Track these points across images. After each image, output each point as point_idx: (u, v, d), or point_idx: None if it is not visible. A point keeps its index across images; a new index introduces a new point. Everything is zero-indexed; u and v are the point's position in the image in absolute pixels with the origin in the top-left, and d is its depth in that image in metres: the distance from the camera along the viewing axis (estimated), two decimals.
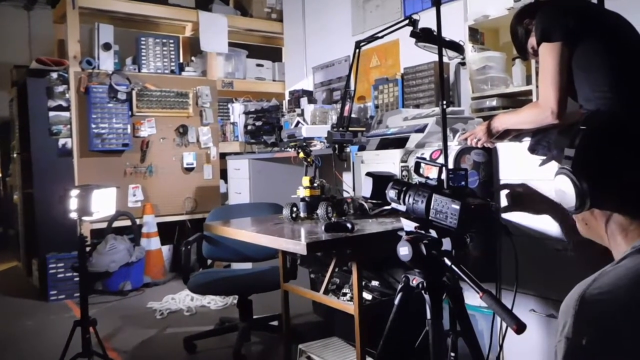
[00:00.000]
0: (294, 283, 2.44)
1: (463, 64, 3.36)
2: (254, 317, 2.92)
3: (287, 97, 5.09)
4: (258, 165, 4.24)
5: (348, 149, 3.11)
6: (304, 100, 4.60)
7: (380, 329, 1.64)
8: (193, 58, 5.10)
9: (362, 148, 3.14)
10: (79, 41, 4.29)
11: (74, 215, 2.26)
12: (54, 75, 4.21)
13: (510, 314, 1.15)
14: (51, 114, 4.19)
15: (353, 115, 3.42)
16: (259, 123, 4.62)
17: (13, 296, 4.15)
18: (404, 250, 1.43)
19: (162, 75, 4.71)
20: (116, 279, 4.02)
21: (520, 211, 1.44)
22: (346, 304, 2.06)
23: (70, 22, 4.26)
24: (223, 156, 4.82)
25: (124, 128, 4.34)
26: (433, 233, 1.43)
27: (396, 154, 2.76)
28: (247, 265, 3.53)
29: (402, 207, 1.54)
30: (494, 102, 3.06)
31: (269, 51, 5.71)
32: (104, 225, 4.13)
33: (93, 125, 4.21)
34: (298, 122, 4.19)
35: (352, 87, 2.83)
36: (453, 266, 1.34)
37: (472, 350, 1.59)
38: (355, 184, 3.02)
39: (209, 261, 4.03)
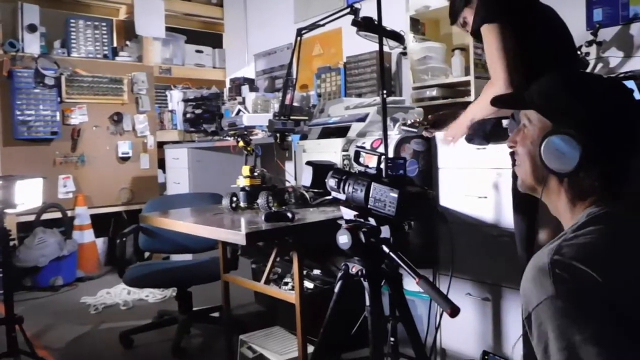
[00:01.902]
0: (235, 273, 2.41)
1: (404, 53, 3.40)
2: (194, 309, 2.86)
3: (227, 85, 4.98)
4: (198, 155, 4.14)
5: (290, 138, 3.08)
6: (245, 88, 4.52)
7: (321, 317, 1.64)
8: (128, 42, 4.87)
9: (304, 137, 3.13)
10: (0, 21, 4.00)
11: (2, 207, 2.11)
12: None
13: (444, 298, 1.17)
14: None
15: (295, 104, 3.38)
16: (198, 111, 4.51)
17: None
18: (343, 239, 1.43)
19: (94, 59, 4.48)
20: (46, 274, 3.82)
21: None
22: (287, 293, 2.05)
23: None
24: (161, 145, 4.67)
25: (53, 115, 4.09)
26: (372, 221, 1.44)
27: (338, 142, 2.78)
28: (187, 257, 3.45)
29: (342, 196, 1.54)
30: (434, 92, 3.11)
31: (209, 37, 5.56)
32: (32, 217, 3.90)
33: (18, 112, 3.94)
34: (239, 110, 4.12)
35: (294, 75, 2.79)
36: (391, 253, 1.35)
37: (410, 334, 1.62)
38: (297, 173, 3.00)
39: (147, 254, 3.91)
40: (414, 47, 3.22)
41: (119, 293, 3.60)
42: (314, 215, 2.01)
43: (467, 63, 3.01)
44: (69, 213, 4.16)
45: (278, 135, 2.71)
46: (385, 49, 2.30)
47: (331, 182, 1.56)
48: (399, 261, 1.31)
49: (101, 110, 4.40)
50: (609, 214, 0.88)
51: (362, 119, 2.79)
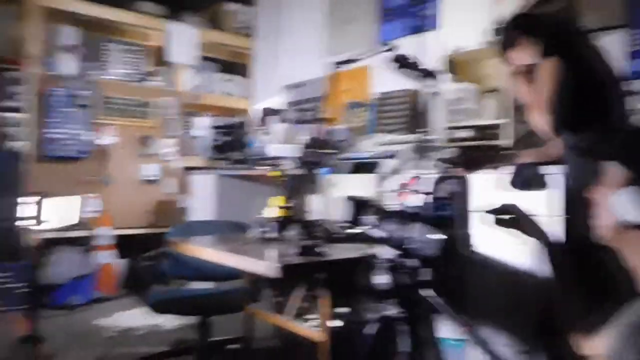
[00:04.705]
0: (255, 306, 2.36)
1: (437, 93, 3.39)
2: (211, 339, 2.79)
3: (255, 115, 5.02)
4: (223, 182, 4.13)
5: (318, 171, 3.07)
6: (273, 119, 4.54)
7: (346, 357, 1.59)
8: (159, 68, 4.97)
9: (333, 171, 3.11)
10: (40, 40, 4.10)
11: (28, 222, 2.11)
12: (11, 74, 4.00)
13: (493, 352, 1.12)
14: (4, 115, 3.96)
15: (323, 138, 3.39)
16: (225, 139, 4.53)
17: None
18: (381, 279, 1.39)
19: (126, 83, 4.56)
20: (64, 291, 3.79)
21: (512, 228, 1.44)
22: (314, 331, 1.99)
23: (31, 21, 4.07)
24: (185, 170, 4.68)
25: (83, 135, 4.14)
26: (412, 262, 1.40)
27: (368, 178, 2.75)
28: (206, 285, 3.39)
29: (382, 234, 1.50)
30: (466, 133, 3.10)
31: (237, 67, 5.65)
32: (54, 235, 3.90)
33: (49, 130, 4.00)
34: (266, 141, 4.13)
35: (324, 109, 2.80)
36: (433, 298, 1.30)
37: None
38: (325, 207, 2.97)
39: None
40: (447, 87, 3.22)
41: (134, 317, 3.55)
42: (344, 251, 1.97)
43: (499, 106, 3.00)
44: (91, 232, 4.15)
45: (307, 167, 2.70)
46: (420, 87, 2.31)
47: (371, 218, 1.53)
48: (442, 307, 1.27)
49: (130, 132, 4.46)
50: None
51: (394, 156, 2.77)
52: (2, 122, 3.95)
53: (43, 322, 3.43)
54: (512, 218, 1.45)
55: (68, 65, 4.17)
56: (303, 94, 4.80)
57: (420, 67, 2.38)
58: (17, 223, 2.19)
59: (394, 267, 1.39)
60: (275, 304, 2.94)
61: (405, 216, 1.44)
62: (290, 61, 4.97)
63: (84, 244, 4.10)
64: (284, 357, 2.64)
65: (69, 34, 4.22)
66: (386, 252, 1.48)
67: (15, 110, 4.00)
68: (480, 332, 1.20)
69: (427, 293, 1.31)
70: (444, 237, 1.33)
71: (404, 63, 2.51)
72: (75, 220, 2.39)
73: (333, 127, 4.19)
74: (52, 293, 3.80)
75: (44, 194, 2.27)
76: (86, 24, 4.53)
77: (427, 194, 1.50)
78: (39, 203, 2.19)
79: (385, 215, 1.49)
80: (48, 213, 2.25)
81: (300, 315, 2.51)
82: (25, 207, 2.18)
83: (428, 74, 2.59)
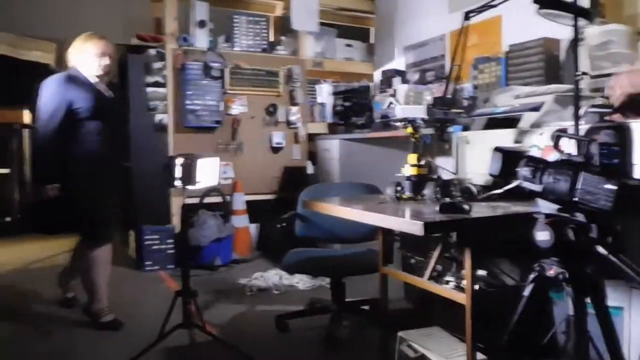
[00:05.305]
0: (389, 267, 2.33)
1: (581, 38, 3.04)
2: (346, 300, 2.83)
3: (377, 78, 4.93)
4: (348, 146, 4.14)
5: (451, 129, 2.92)
6: (396, 80, 4.42)
7: (485, 321, 1.49)
8: (283, 37, 5.05)
9: (465, 129, 2.95)
10: (176, 18, 4.36)
11: (178, 183, 2.25)
12: (152, 51, 4.31)
13: None
14: (149, 89, 4.29)
15: (450, 96, 3.21)
16: (348, 104, 4.52)
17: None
18: (543, 235, 1.27)
19: (254, 53, 4.69)
20: (207, 253, 4.08)
21: None
22: (456, 293, 1.91)
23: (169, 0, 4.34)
24: (310, 137, 4.77)
25: (217, 105, 4.37)
26: (579, 217, 1.26)
27: (507, 134, 2.55)
28: (337, 247, 3.45)
29: (538, 187, 1.36)
30: None
31: (357, 31, 5.58)
32: (196, 200, 4.19)
33: (188, 102, 4.27)
34: (390, 103, 4.04)
35: (454, 64, 2.64)
36: (610, 255, 1.15)
37: (613, 354, 1.39)
38: (460, 165, 2.83)
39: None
40: (591, 31, 2.86)
41: (271, 277, 3.72)
42: (484, 209, 1.85)
43: None
44: (226, 198, 4.41)
45: (438, 126, 2.57)
46: (559, 35, 2.06)
47: (524, 171, 1.39)
48: (623, 266, 1.12)
49: (258, 101, 4.61)
50: None
51: (537, 108, 2.53)
52: (148, 96, 4.28)
53: (191, 281, 3.76)
54: None
55: (200, 39, 4.39)
56: (425, 53, 4.60)
57: (569, 6, 2.11)
58: (168, 189, 2.34)
59: (556, 223, 1.25)
60: (409, 265, 2.90)
61: (569, 166, 1.29)
62: (410, 21, 4.78)
63: (221, 209, 4.37)
64: (419, 318, 2.59)
65: (201, 10, 4.42)
66: (545, 207, 1.34)
67: (159, 85, 4.31)
68: None
69: (600, 251, 1.17)
70: (620, 187, 1.16)
71: (549, 3, 2.25)
72: (215, 183, 2.49)
73: (460, 85, 3.97)
74: (196, 254, 4.11)
75: (198, 155, 2.36)
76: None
77: (585, 143, 1.32)
78: (190, 165, 2.29)
79: (543, 165, 1.35)
80: (200, 174, 2.34)
81: (437, 277, 2.44)
82: (181, 168, 2.28)
83: (579, 13, 2.30)
